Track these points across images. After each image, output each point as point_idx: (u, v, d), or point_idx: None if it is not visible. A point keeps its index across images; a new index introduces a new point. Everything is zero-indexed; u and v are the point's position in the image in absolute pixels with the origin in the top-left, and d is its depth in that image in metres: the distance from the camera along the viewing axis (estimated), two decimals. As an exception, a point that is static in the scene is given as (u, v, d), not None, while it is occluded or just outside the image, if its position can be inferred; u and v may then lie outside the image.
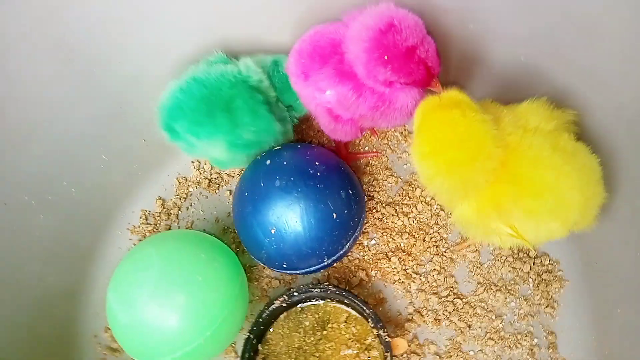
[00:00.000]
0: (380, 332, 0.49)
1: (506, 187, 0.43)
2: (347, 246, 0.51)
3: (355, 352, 0.51)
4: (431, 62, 0.45)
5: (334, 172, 0.50)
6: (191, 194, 0.61)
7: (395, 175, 0.59)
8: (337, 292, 0.51)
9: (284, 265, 0.50)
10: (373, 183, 0.59)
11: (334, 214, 0.48)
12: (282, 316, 0.54)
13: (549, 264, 0.54)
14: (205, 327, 0.46)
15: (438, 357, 0.52)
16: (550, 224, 0.44)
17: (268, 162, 0.50)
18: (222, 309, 0.47)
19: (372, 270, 0.56)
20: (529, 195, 0.42)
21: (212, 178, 0.61)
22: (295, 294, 0.52)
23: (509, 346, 0.52)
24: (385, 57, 0.43)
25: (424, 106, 0.44)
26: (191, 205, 0.60)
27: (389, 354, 0.49)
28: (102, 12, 0.49)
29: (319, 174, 0.48)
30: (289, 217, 0.47)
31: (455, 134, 0.42)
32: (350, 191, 0.50)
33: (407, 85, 0.46)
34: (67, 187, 0.54)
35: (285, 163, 0.49)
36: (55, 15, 0.48)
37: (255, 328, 0.51)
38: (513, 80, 0.51)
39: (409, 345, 0.51)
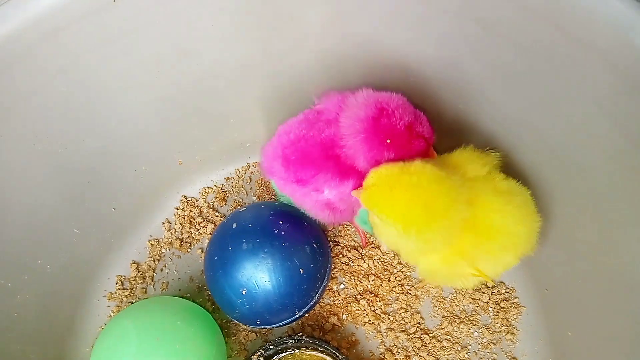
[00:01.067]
0: (355, 375, 0.52)
1: (467, 234, 0.46)
2: (316, 297, 0.54)
3: (337, 396, 0.54)
4: (427, 134, 0.48)
5: (298, 229, 0.53)
6: (164, 255, 0.63)
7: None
8: (311, 342, 0.54)
9: (258, 322, 0.53)
10: (338, 228, 0.62)
11: (301, 270, 0.51)
12: (259, 371, 0.56)
13: (505, 292, 0.58)
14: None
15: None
16: (505, 258, 0.48)
17: (234, 225, 0.52)
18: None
19: (343, 314, 0.59)
20: (486, 238, 0.46)
21: (183, 238, 0.63)
22: (271, 347, 0.54)
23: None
24: (388, 141, 0.46)
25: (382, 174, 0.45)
26: (165, 267, 0.62)
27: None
28: (65, 91, 0.51)
29: (283, 232, 0.51)
30: (258, 277, 0.50)
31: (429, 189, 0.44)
32: (314, 245, 0.53)
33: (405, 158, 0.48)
34: (42, 265, 0.56)
35: (250, 225, 0.52)
36: (20, 100, 0.50)
37: (236, 385, 0.54)
38: (445, 130, 0.55)
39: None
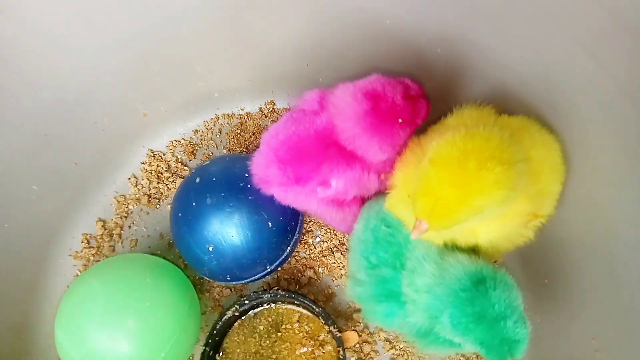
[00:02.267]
0: (332, 328, 0.51)
1: (523, 201, 0.41)
2: (288, 250, 0.51)
3: (310, 349, 0.53)
4: (420, 90, 0.45)
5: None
6: (132, 212, 0.60)
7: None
8: (287, 295, 0.52)
9: (228, 278, 0.51)
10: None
11: (269, 223, 0.48)
12: (236, 324, 0.55)
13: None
14: (159, 348, 0.47)
15: (388, 342, 0.54)
16: (553, 187, 0.43)
17: (197, 179, 0.49)
18: (174, 329, 0.48)
19: (319, 267, 0.57)
20: (536, 175, 0.41)
21: (151, 193, 0.60)
22: (247, 302, 0.53)
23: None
24: (400, 121, 0.43)
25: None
26: (133, 224, 0.60)
27: (341, 348, 0.50)
28: (5, 34, 0.47)
29: (249, 185, 0.48)
30: (225, 233, 0.47)
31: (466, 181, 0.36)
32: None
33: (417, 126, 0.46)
34: (0, 224, 0.53)
35: (214, 179, 0.49)
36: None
37: (210, 340, 0.52)
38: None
39: (360, 336, 0.53)
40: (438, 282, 0.39)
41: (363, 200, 0.50)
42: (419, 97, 0.45)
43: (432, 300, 0.39)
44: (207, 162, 0.52)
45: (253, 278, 0.52)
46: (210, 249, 0.48)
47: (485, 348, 0.36)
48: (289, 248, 0.51)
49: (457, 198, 0.35)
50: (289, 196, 0.47)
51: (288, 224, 0.50)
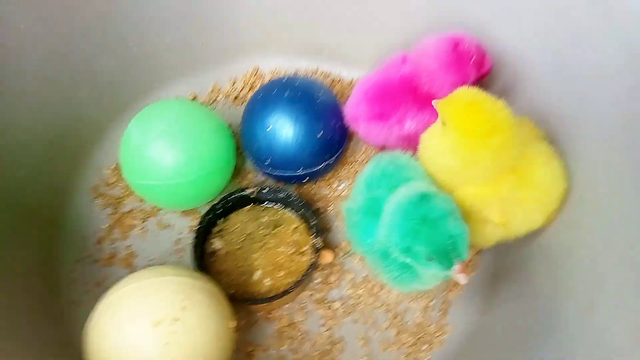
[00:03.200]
0: (316, 240, 0.60)
1: (508, 177, 0.50)
2: (320, 166, 0.62)
3: (290, 252, 0.62)
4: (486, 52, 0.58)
5: (334, 109, 0.63)
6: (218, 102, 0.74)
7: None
8: (298, 202, 0.62)
9: (267, 162, 0.62)
10: (360, 148, 0.70)
11: (320, 133, 0.60)
12: (247, 207, 0.65)
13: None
14: (195, 170, 0.57)
15: (352, 283, 0.61)
16: (534, 215, 0.51)
17: (285, 79, 0.63)
18: (213, 162, 0.59)
19: (330, 205, 0.67)
20: (524, 188, 0.50)
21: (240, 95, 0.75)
22: (264, 190, 0.63)
23: (410, 298, 0.61)
24: (473, 58, 0.56)
25: (472, 91, 0.50)
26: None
27: (315, 257, 0.59)
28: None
29: (320, 100, 0.61)
30: (285, 122, 0.59)
31: (502, 117, 0.48)
32: (338, 124, 0.62)
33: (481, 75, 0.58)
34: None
35: (298, 84, 0.62)
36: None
37: (224, 201, 0.62)
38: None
39: (334, 259, 0.61)
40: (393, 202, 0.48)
41: None
42: (485, 53, 0.57)
43: (388, 218, 0.48)
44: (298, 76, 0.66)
45: (284, 174, 0.62)
46: (269, 129, 0.60)
47: (433, 253, 0.44)
48: (322, 165, 0.62)
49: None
50: (372, 131, 0.60)
51: (332, 145, 0.62)
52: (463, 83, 0.55)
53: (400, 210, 0.47)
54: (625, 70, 0.49)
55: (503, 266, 0.61)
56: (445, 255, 0.44)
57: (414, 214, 0.45)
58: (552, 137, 0.55)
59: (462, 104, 0.49)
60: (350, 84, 0.76)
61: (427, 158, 0.53)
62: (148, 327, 0.45)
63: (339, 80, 0.76)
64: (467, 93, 0.50)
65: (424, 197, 0.46)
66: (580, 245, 0.51)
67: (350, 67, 0.76)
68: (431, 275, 0.48)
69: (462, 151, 0.49)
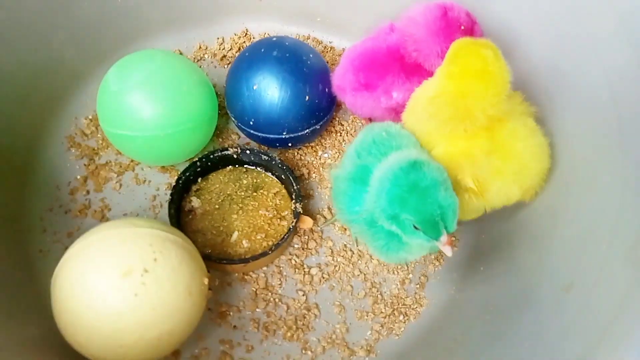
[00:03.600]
0: (297, 205, 0.58)
1: (482, 141, 0.50)
2: (305, 131, 0.61)
3: (270, 216, 0.60)
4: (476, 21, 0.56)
5: (323, 74, 0.61)
6: (205, 60, 0.72)
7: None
8: (280, 166, 0.61)
9: (250, 123, 0.60)
10: (347, 117, 0.69)
11: (307, 97, 0.58)
12: (228, 167, 0.63)
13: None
14: (174, 123, 0.55)
15: (330, 250, 0.60)
16: (511, 188, 0.51)
17: (274, 38, 0.61)
18: (193, 117, 0.57)
19: (313, 172, 0.65)
20: (500, 157, 0.50)
21: (227, 55, 0.72)
22: (248, 152, 0.61)
23: (388, 270, 0.60)
24: (462, 27, 0.54)
25: (462, 40, 0.50)
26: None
27: (294, 222, 0.58)
28: None
29: (309, 62, 0.59)
30: (273, 81, 0.58)
31: (484, 68, 0.48)
32: (326, 90, 0.61)
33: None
34: None
35: (287, 44, 0.60)
36: None
37: (204, 159, 0.61)
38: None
39: (313, 226, 0.60)
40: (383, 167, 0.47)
41: None
42: (475, 22, 0.55)
43: (377, 184, 0.47)
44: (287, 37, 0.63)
45: (267, 136, 0.61)
46: (255, 87, 0.58)
47: (420, 223, 0.43)
48: (307, 130, 0.61)
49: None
50: (358, 101, 0.58)
51: (318, 111, 0.60)
52: None
53: (389, 176, 0.45)
54: (618, 45, 0.49)
55: (482, 244, 0.61)
56: (432, 226, 0.43)
57: (403, 181, 0.44)
58: (541, 116, 0.55)
59: (477, 46, 0.49)
60: (342, 53, 0.74)
61: (412, 113, 0.53)
62: (116, 278, 0.44)
63: (331, 49, 0.74)
64: (486, 42, 0.49)
65: (415, 165, 0.44)
66: (562, 224, 0.51)
67: (342, 36, 0.74)
68: (417, 245, 0.47)
69: (453, 82, 0.49)
